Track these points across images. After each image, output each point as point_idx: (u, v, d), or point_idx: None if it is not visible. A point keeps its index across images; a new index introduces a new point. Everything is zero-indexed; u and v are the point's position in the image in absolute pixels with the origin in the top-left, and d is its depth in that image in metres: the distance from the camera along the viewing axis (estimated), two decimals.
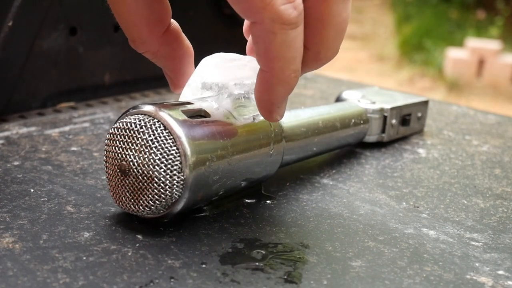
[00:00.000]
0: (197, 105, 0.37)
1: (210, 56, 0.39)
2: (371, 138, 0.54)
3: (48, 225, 0.36)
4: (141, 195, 0.35)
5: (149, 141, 0.34)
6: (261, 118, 0.40)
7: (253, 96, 0.39)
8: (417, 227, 0.40)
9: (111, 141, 0.36)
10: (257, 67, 0.39)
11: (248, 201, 0.41)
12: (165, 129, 0.34)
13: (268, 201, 0.42)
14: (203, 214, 0.39)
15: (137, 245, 0.34)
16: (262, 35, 0.32)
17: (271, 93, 0.34)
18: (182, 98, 0.40)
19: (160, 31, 0.37)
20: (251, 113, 0.39)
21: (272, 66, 0.33)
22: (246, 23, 0.40)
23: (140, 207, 0.35)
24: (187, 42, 0.39)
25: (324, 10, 0.33)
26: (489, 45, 3.77)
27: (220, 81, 0.38)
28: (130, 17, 0.36)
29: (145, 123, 0.35)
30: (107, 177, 0.36)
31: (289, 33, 0.32)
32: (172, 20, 0.38)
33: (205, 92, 0.39)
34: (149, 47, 0.37)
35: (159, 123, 0.35)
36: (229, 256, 0.34)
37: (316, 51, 0.34)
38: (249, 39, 0.40)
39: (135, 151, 0.35)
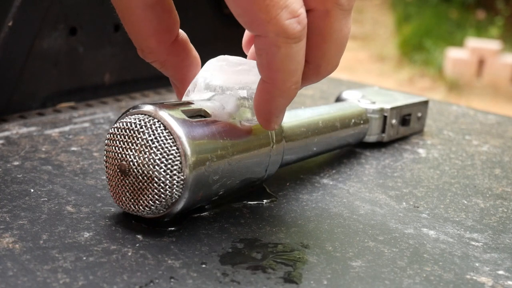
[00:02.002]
0: (197, 105, 0.37)
1: (216, 59, 0.39)
2: (371, 138, 0.54)
3: (48, 225, 0.36)
4: (141, 195, 0.35)
5: (149, 141, 0.34)
6: None
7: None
8: (417, 227, 0.40)
9: (111, 141, 0.36)
10: None
11: (248, 202, 0.41)
12: (165, 129, 0.34)
13: (267, 200, 0.42)
14: (203, 213, 0.39)
15: (137, 245, 0.34)
16: (266, 48, 0.32)
17: (271, 103, 0.35)
18: (185, 98, 0.40)
19: (168, 41, 0.37)
20: (251, 119, 0.39)
21: (274, 77, 0.33)
22: (245, 38, 0.40)
23: (140, 207, 0.35)
24: (194, 52, 0.39)
25: (326, 25, 0.33)
26: (489, 45, 3.77)
27: (224, 84, 0.39)
28: (139, 27, 0.36)
29: (145, 123, 0.35)
30: (107, 177, 0.36)
31: (292, 47, 0.32)
32: (180, 30, 0.38)
33: (209, 93, 0.39)
34: (157, 57, 0.38)
35: (159, 123, 0.35)
36: (229, 256, 0.34)
37: (317, 65, 0.35)
38: (250, 52, 0.40)
39: (135, 151, 0.35)
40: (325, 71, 0.35)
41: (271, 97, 0.34)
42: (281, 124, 0.42)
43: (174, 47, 0.38)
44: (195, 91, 0.39)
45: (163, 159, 0.34)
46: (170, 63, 0.38)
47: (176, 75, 0.40)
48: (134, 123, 0.35)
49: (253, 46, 0.40)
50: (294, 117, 0.44)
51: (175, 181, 0.34)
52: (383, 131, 0.55)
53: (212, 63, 0.39)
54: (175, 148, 0.34)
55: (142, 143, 0.34)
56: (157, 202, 0.35)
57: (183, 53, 0.39)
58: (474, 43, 3.78)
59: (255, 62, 0.39)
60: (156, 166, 0.34)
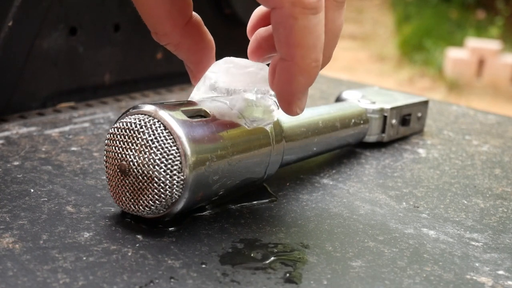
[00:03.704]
0: (197, 105, 0.37)
1: (223, 60, 0.39)
2: (371, 138, 0.54)
3: (48, 225, 0.36)
4: (141, 195, 0.35)
5: (149, 141, 0.34)
6: (268, 125, 0.40)
7: (263, 101, 0.39)
8: (417, 227, 0.40)
9: (111, 141, 0.36)
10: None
11: (248, 202, 0.41)
12: (165, 129, 0.34)
13: (267, 200, 0.42)
14: (203, 213, 0.39)
15: (137, 245, 0.34)
16: (283, 21, 0.32)
17: (291, 83, 0.34)
18: (193, 96, 0.40)
19: (182, 23, 0.37)
20: (261, 118, 0.39)
21: (293, 53, 0.33)
22: (250, 24, 0.40)
23: (140, 207, 0.35)
24: (208, 35, 0.39)
25: None
26: (489, 45, 3.76)
27: (231, 87, 0.38)
28: (153, 9, 0.36)
29: (145, 123, 0.35)
30: (107, 177, 0.36)
31: (310, 18, 0.31)
32: (194, 13, 0.38)
33: (215, 94, 0.39)
34: (171, 39, 0.37)
35: (159, 123, 0.35)
36: (229, 256, 0.34)
37: None
38: (253, 39, 0.40)
39: (135, 151, 0.35)
40: None
41: (291, 76, 0.33)
42: (281, 124, 0.42)
43: (188, 29, 0.37)
44: (201, 91, 0.39)
45: (163, 159, 0.34)
46: (184, 46, 0.38)
47: (190, 58, 0.39)
48: (134, 123, 0.35)
49: (257, 32, 0.39)
50: (294, 117, 0.44)
51: (175, 181, 0.34)
52: (383, 131, 0.55)
53: (219, 64, 0.39)
54: (175, 148, 0.34)
55: (142, 143, 0.34)
56: (157, 202, 0.35)
57: (196, 35, 0.38)
58: (474, 43, 3.78)
59: (263, 64, 0.39)
60: (156, 166, 0.34)
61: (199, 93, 0.39)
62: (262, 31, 0.39)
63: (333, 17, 0.33)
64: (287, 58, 0.33)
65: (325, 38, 0.34)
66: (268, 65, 0.37)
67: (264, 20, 0.39)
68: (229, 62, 0.39)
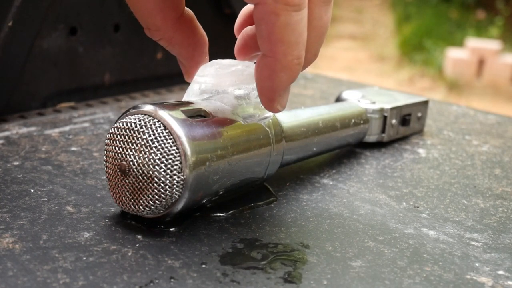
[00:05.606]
0: (197, 105, 0.37)
1: (209, 63, 0.39)
2: (371, 138, 0.54)
3: (48, 225, 0.36)
4: (141, 195, 0.35)
5: (149, 141, 0.34)
6: (265, 120, 0.40)
7: (253, 97, 0.39)
8: (417, 227, 0.40)
9: (111, 141, 0.36)
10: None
11: (248, 202, 0.41)
12: (165, 129, 0.34)
13: (267, 200, 0.42)
14: (203, 214, 0.39)
15: (137, 245, 0.34)
16: (265, 17, 0.32)
17: (273, 79, 0.34)
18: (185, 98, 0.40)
19: (174, 17, 0.37)
20: (253, 114, 0.39)
21: (275, 50, 0.33)
22: (237, 22, 0.40)
23: (140, 207, 0.35)
24: (201, 30, 0.39)
25: None
26: (489, 45, 3.77)
27: (220, 88, 0.38)
28: (144, 4, 0.36)
29: (145, 123, 0.35)
30: (107, 177, 0.36)
31: (292, 15, 0.31)
32: (186, 8, 0.38)
33: (206, 95, 0.39)
34: (163, 34, 0.37)
35: (159, 123, 0.35)
36: (229, 256, 0.34)
37: None
38: (240, 37, 0.40)
39: (135, 151, 0.35)
40: (305, 60, 0.34)
41: (272, 73, 0.33)
42: (281, 124, 0.42)
43: (180, 24, 0.37)
44: (192, 96, 0.39)
45: (163, 159, 0.34)
46: (177, 41, 0.38)
47: (183, 52, 0.39)
48: (134, 123, 0.35)
49: (244, 30, 0.39)
50: (294, 117, 0.44)
51: (175, 181, 0.34)
52: (383, 131, 0.55)
53: (206, 68, 0.39)
54: (175, 148, 0.34)
55: (142, 143, 0.34)
56: (157, 202, 0.35)
57: (189, 30, 0.38)
58: (474, 43, 3.78)
59: (249, 62, 0.39)
60: (156, 166, 0.34)
61: (190, 98, 0.39)
62: (249, 29, 0.39)
63: (320, 13, 0.33)
64: (269, 55, 0.33)
65: (311, 35, 0.34)
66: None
67: (252, 19, 0.39)
68: (215, 64, 0.39)
